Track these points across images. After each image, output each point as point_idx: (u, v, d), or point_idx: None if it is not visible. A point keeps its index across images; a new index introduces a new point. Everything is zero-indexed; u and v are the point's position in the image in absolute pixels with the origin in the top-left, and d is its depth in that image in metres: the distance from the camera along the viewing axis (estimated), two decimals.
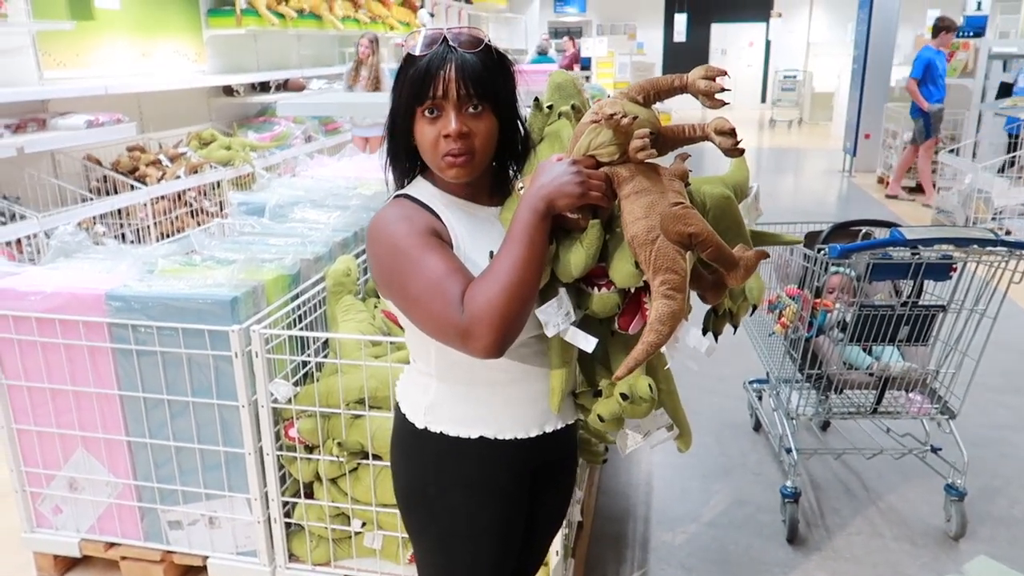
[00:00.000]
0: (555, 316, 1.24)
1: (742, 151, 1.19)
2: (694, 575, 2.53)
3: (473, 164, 1.27)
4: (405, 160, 1.36)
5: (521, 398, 1.36)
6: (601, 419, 1.35)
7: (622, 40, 14.38)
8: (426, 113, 1.24)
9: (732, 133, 1.17)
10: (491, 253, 1.22)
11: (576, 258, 1.20)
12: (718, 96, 1.18)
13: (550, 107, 1.41)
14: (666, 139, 1.26)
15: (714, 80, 1.17)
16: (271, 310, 2.18)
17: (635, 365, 1.18)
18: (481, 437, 1.36)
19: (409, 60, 1.25)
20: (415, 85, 1.23)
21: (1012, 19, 9.11)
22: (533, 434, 1.38)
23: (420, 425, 1.38)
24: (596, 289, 1.25)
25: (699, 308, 1.34)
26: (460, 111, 1.23)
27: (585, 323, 1.27)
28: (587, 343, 1.24)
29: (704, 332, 1.36)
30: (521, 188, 1.28)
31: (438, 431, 1.37)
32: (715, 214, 1.31)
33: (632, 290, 1.25)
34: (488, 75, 1.24)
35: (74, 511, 2.38)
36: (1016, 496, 2.95)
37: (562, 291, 1.25)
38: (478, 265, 1.25)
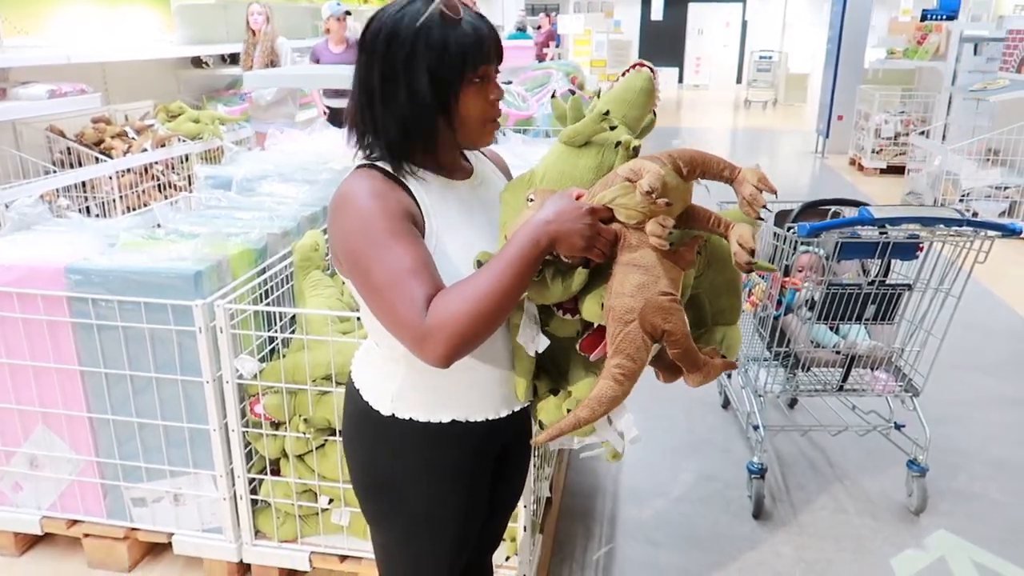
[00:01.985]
0: (531, 335, 1.26)
1: (751, 268, 1.18)
2: (661, 550, 2.56)
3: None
4: (410, 140, 1.24)
5: (489, 379, 1.33)
6: (541, 425, 1.33)
7: (599, 18, 14.32)
8: (476, 80, 1.21)
9: (751, 252, 1.16)
10: (478, 263, 1.19)
11: (554, 293, 1.20)
12: (757, 209, 1.18)
13: (607, 113, 1.26)
14: (689, 218, 1.24)
15: (761, 192, 1.16)
16: (236, 285, 2.14)
17: (558, 434, 1.21)
18: (453, 421, 1.33)
19: (448, 22, 1.17)
20: (469, 51, 1.18)
21: (984, 2, 9.18)
22: (503, 414, 1.37)
23: (387, 412, 1.33)
24: (560, 311, 1.24)
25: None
26: (496, 73, 1.25)
27: (549, 314, 1.28)
28: (540, 345, 1.26)
29: None
30: (531, 199, 1.20)
31: (407, 417, 1.32)
32: (716, 266, 1.31)
33: None
34: None
35: (35, 488, 2.34)
36: (975, 472, 3.01)
37: (533, 310, 1.26)
38: (447, 252, 1.22)
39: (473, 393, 1.34)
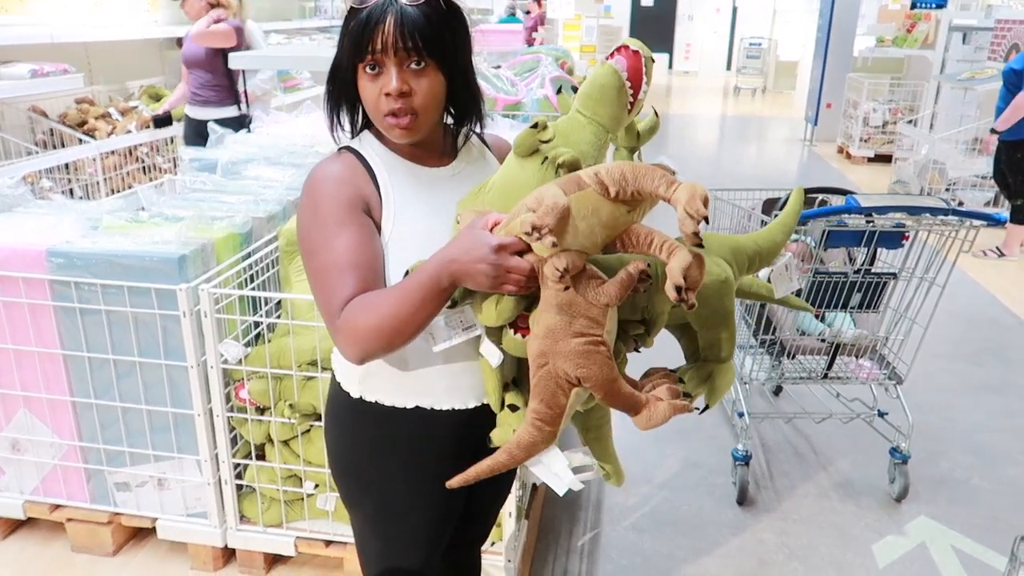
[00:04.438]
0: (489, 348, 1.20)
1: (681, 301, 1.03)
2: (646, 536, 2.57)
3: (417, 125, 1.21)
4: (350, 115, 1.30)
5: (457, 368, 1.30)
6: (489, 440, 1.30)
7: (589, 3, 14.21)
8: (367, 69, 1.18)
9: (678, 287, 1.01)
10: (406, 272, 1.17)
11: (488, 317, 1.15)
12: (688, 234, 1.00)
13: (535, 126, 1.16)
14: (628, 241, 1.10)
15: (695, 220, 0.99)
16: (221, 269, 2.12)
17: (475, 477, 1.19)
18: (417, 407, 1.31)
19: (351, 12, 1.19)
20: (354, 39, 1.17)
21: None
22: (471, 405, 1.33)
23: (355, 394, 1.34)
24: (513, 331, 1.17)
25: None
26: (401, 67, 1.17)
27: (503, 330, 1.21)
28: (494, 358, 1.20)
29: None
30: (458, 221, 1.19)
31: (373, 400, 1.32)
32: (700, 295, 1.15)
33: None
34: (432, 29, 1.16)
35: (17, 472, 2.33)
36: (957, 459, 3.04)
37: (467, 308, 1.20)
38: (404, 237, 1.23)
39: (439, 381, 1.31)
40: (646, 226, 1.09)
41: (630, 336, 1.23)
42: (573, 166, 1.12)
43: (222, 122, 4.39)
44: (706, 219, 0.98)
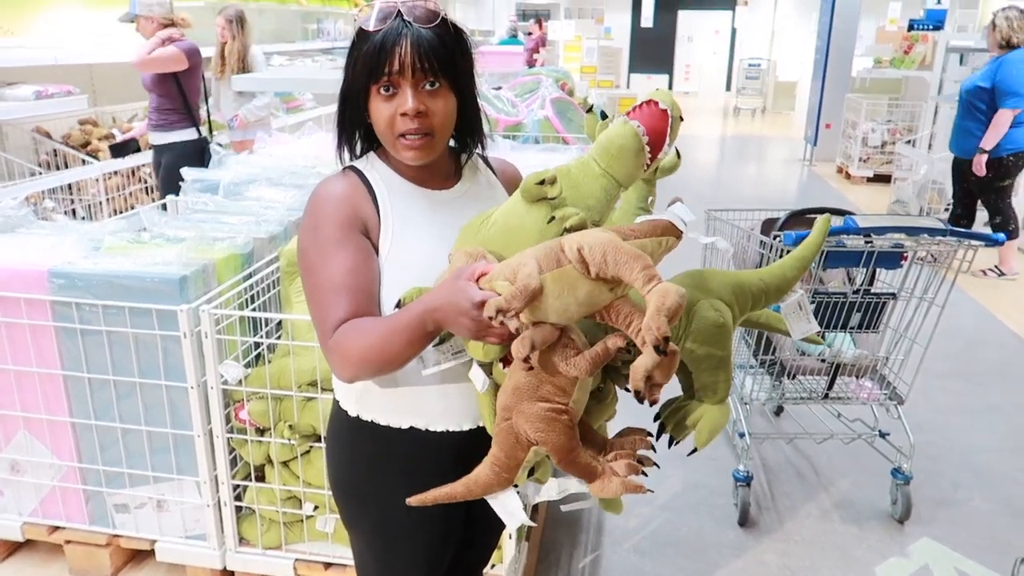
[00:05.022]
0: (477, 375, 1.21)
1: (640, 400, 1.02)
2: (647, 558, 2.56)
3: (432, 145, 1.23)
4: (358, 139, 1.32)
5: (452, 391, 1.30)
6: None
7: (589, 24, 14.35)
8: (381, 91, 1.20)
9: (638, 392, 1.01)
10: (399, 303, 1.18)
11: (476, 352, 1.16)
12: (649, 340, 0.98)
13: (542, 183, 1.13)
14: (610, 315, 1.06)
15: (655, 335, 0.96)
16: (222, 290, 2.13)
17: (433, 501, 1.22)
18: (412, 428, 1.32)
19: (362, 35, 1.21)
20: (369, 61, 1.19)
21: (970, 13, 9.28)
22: (466, 428, 1.33)
23: (353, 412, 1.35)
24: (503, 365, 1.17)
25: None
26: (417, 88, 1.19)
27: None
28: (479, 383, 1.20)
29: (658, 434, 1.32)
30: (450, 258, 1.19)
31: (370, 419, 1.33)
32: (695, 338, 1.19)
33: None
34: (445, 50, 1.19)
35: (16, 494, 2.32)
36: (958, 479, 3.03)
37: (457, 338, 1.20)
38: (401, 259, 1.24)
39: (435, 402, 1.31)
40: (630, 303, 1.05)
41: (621, 375, 1.22)
42: (580, 229, 1.11)
43: (178, 146, 4.39)
44: (667, 339, 0.95)
